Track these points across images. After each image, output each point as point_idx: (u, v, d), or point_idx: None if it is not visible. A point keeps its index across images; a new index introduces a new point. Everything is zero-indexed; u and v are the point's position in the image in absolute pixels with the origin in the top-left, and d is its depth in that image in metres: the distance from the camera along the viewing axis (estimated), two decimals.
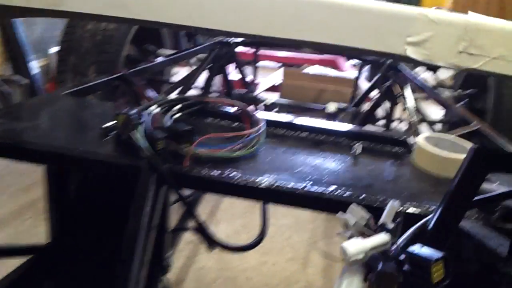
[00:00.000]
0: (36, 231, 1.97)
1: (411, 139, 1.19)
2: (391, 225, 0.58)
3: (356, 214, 0.61)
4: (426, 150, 1.06)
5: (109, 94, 1.91)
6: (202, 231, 0.96)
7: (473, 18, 0.59)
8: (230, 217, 2.18)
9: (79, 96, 1.39)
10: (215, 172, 0.95)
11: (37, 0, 0.61)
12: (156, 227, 0.97)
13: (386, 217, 0.59)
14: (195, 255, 1.86)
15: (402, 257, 0.54)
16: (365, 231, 0.58)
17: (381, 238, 0.55)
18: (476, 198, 0.63)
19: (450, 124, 2.50)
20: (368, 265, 0.55)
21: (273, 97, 2.84)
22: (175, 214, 1.58)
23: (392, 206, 0.61)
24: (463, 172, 0.60)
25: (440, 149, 1.07)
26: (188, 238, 1.91)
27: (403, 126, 2.41)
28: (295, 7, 0.61)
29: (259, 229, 1.20)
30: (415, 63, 0.62)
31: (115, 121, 1.08)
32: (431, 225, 0.62)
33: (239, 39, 2.62)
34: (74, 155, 0.96)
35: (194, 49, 2.26)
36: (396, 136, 1.22)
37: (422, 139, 1.11)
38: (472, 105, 2.32)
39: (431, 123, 2.17)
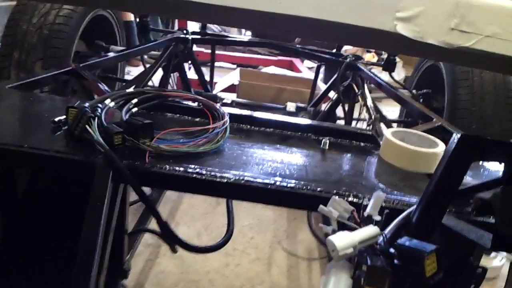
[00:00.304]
0: None
1: (378, 134, 1.18)
2: (377, 217, 0.54)
3: (338, 207, 0.57)
4: (395, 144, 1.05)
5: (58, 90, 1.79)
6: (166, 231, 0.89)
7: None
8: (190, 219, 2.10)
9: (25, 91, 1.28)
10: (179, 169, 0.89)
11: None
12: (114, 229, 0.89)
13: (372, 208, 0.55)
14: (155, 258, 1.77)
15: (391, 250, 0.51)
16: (350, 224, 0.54)
17: (370, 230, 0.51)
18: (460, 188, 0.60)
19: (406, 123, 2.55)
20: (355, 260, 0.51)
21: (231, 97, 2.78)
22: (131, 215, 1.49)
23: (377, 197, 0.57)
24: (448, 161, 0.57)
25: (409, 144, 1.05)
26: (147, 240, 1.82)
27: (362, 125, 2.42)
28: None
29: (226, 228, 1.14)
30: (406, 45, 0.58)
31: (66, 115, 0.99)
32: (415, 217, 0.58)
33: (195, 36, 2.55)
34: (22, 151, 0.86)
35: (151, 44, 2.17)
36: (364, 131, 1.20)
37: (390, 133, 1.10)
38: (427, 105, 2.36)
39: (389, 122, 2.19)
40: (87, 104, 0.98)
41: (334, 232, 0.55)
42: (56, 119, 0.99)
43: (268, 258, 1.86)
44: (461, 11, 0.56)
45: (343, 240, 0.48)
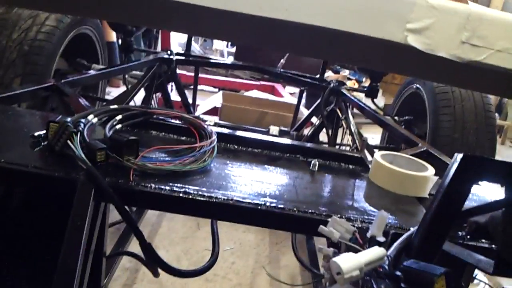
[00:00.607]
0: None
1: (367, 157, 1.16)
2: (381, 238, 0.52)
3: (339, 228, 0.54)
4: (385, 167, 1.03)
5: (37, 107, 1.73)
6: (149, 254, 0.84)
7: (475, 7, 0.56)
8: (169, 242, 2.03)
9: (3, 105, 1.23)
10: (165, 187, 0.85)
11: None
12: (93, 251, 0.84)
13: (375, 229, 0.53)
14: (132, 283, 1.69)
15: (397, 273, 0.48)
16: (352, 246, 0.51)
17: (376, 252, 0.49)
18: (463, 209, 0.58)
19: (388, 149, 2.56)
20: (359, 284, 0.48)
21: (213, 119, 2.75)
22: (109, 236, 1.43)
23: (381, 217, 0.55)
24: (450, 181, 0.55)
25: (398, 167, 1.04)
26: (124, 264, 1.74)
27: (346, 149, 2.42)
28: None
29: (207, 252, 1.09)
30: (414, 62, 0.57)
31: (46, 130, 0.94)
32: (417, 239, 0.56)
33: (179, 57, 2.53)
34: (1, 167, 0.81)
35: (134, 63, 2.14)
36: (353, 154, 1.18)
37: (379, 156, 1.08)
38: (408, 131, 2.38)
39: (371, 147, 2.19)
40: (69, 119, 0.94)
41: (336, 254, 0.52)
42: (36, 134, 0.95)
43: (250, 284, 1.81)
44: (472, 24, 0.55)
45: (348, 262, 0.45)
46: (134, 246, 1.77)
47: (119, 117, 1.07)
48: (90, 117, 1.02)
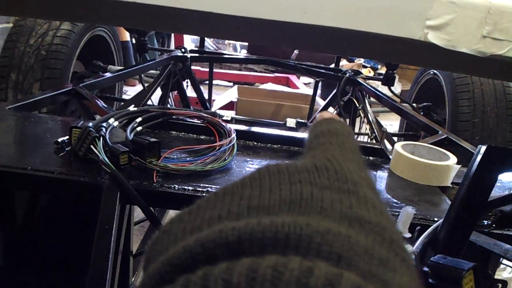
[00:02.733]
0: None
1: (387, 148, 1.16)
2: (407, 234, 0.52)
3: None
4: (406, 158, 1.03)
5: (57, 111, 1.76)
6: None
7: (496, 0, 0.55)
8: None
9: (26, 111, 1.25)
10: (188, 188, 0.86)
11: None
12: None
13: (401, 225, 0.53)
14: None
15: (424, 269, 0.48)
16: None
17: None
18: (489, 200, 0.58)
19: (407, 136, 2.54)
20: None
21: (230, 114, 2.76)
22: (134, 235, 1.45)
23: (407, 213, 0.55)
24: (474, 173, 0.55)
25: (419, 157, 1.04)
26: None
27: (363, 139, 2.41)
28: None
29: None
30: (434, 57, 0.56)
31: (69, 136, 0.96)
32: (442, 233, 0.56)
33: (194, 54, 2.54)
34: (25, 174, 0.84)
35: (150, 63, 2.15)
36: (373, 145, 1.18)
37: (400, 147, 1.08)
38: (427, 118, 2.36)
39: (390, 136, 2.18)
40: (91, 124, 0.96)
41: None
42: (59, 140, 0.97)
43: None
44: (493, 18, 0.54)
45: None
46: None
47: (139, 119, 1.08)
48: (111, 120, 1.03)
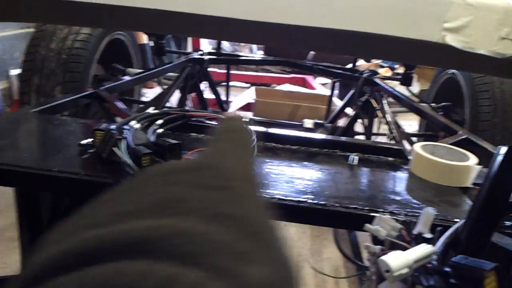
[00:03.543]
0: (5, 262, 1.81)
1: (407, 149, 1.16)
2: (428, 235, 0.52)
3: (385, 225, 0.54)
4: (426, 158, 1.02)
5: (79, 113, 1.80)
6: None
7: None
8: None
9: (49, 114, 1.28)
10: None
11: None
12: None
13: (422, 226, 0.53)
14: None
15: (446, 269, 0.48)
16: (398, 243, 0.52)
17: (424, 249, 0.49)
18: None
19: (426, 136, 2.52)
20: (408, 280, 0.49)
21: (247, 115, 2.78)
22: None
23: (427, 214, 0.55)
24: (496, 174, 0.55)
25: (439, 158, 1.03)
26: None
27: (382, 140, 2.40)
28: None
29: None
30: (452, 58, 0.57)
31: (92, 138, 0.99)
32: (464, 233, 0.56)
33: (211, 56, 2.57)
34: (51, 175, 0.86)
35: (168, 66, 2.18)
36: (392, 146, 1.18)
37: (420, 148, 1.08)
38: (447, 118, 2.33)
39: (408, 136, 2.16)
40: (113, 126, 0.98)
41: (382, 252, 0.53)
42: (83, 142, 0.99)
43: None
44: (511, 20, 0.54)
45: (397, 260, 0.46)
46: None
47: (160, 121, 1.10)
48: (133, 123, 1.05)
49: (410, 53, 0.68)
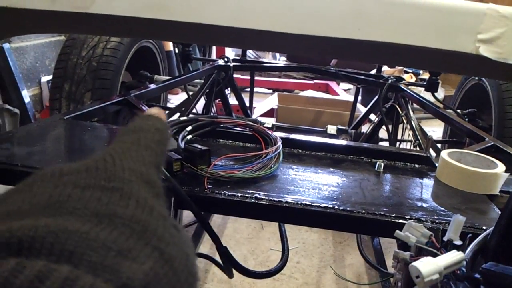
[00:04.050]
0: None
1: (433, 155, 1.16)
2: (458, 242, 0.53)
3: (414, 232, 0.56)
4: (453, 165, 1.02)
5: (108, 119, 1.85)
6: (225, 256, 0.90)
7: None
8: (235, 243, 2.10)
9: (81, 120, 1.33)
10: (237, 194, 0.90)
11: (62, 2, 0.56)
12: None
13: (452, 233, 0.54)
14: (203, 283, 1.77)
15: (476, 276, 0.49)
16: (429, 250, 0.53)
17: (454, 256, 0.50)
18: None
19: (452, 143, 2.49)
20: (437, 286, 0.50)
21: (270, 121, 2.80)
22: None
23: (457, 221, 0.56)
24: None
25: (466, 165, 1.03)
26: None
27: (407, 146, 2.39)
28: (358, 5, 0.57)
29: (272, 252, 1.13)
30: (486, 67, 0.58)
31: None
32: (493, 240, 0.57)
33: (236, 63, 2.60)
34: None
35: (194, 73, 2.22)
36: (418, 153, 1.18)
37: (446, 155, 1.08)
38: (473, 124, 2.31)
39: (435, 142, 2.14)
40: None
41: (412, 258, 0.54)
42: None
43: (316, 283, 1.83)
44: None
45: (428, 266, 0.47)
46: (203, 247, 1.85)
47: (189, 128, 1.13)
48: None
49: (442, 62, 0.69)
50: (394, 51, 0.60)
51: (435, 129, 3.69)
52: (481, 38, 0.57)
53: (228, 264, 0.91)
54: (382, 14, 0.56)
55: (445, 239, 0.55)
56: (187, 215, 1.77)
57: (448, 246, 0.53)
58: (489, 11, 0.56)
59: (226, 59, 2.46)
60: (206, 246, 1.90)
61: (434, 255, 0.52)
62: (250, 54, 5.28)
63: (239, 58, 2.80)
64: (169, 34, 0.81)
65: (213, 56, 4.86)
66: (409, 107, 2.14)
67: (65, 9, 0.56)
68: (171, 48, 3.96)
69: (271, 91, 5.04)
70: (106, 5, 0.57)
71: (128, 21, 0.60)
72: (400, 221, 0.82)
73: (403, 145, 2.40)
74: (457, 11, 0.57)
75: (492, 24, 0.56)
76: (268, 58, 5.51)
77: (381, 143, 2.45)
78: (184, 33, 0.68)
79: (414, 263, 0.48)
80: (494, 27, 0.56)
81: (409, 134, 2.07)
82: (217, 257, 0.95)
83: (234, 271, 0.94)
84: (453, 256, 0.50)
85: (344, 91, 4.67)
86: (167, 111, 2.47)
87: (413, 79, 4.42)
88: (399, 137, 2.36)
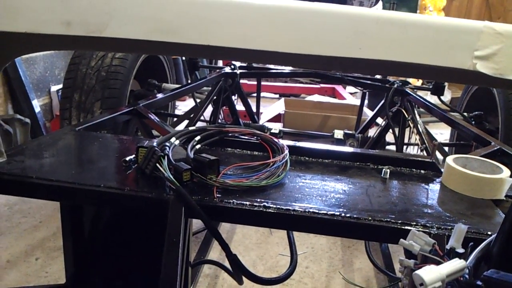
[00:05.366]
0: (46, 271, 1.90)
1: (439, 161, 1.17)
2: (461, 250, 0.55)
3: (418, 240, 0.57)
4: (458, 171, 1.04)
5: (119, 129, 1.88)
6: (235, 263, 0.92)
7: None
8: (244, 248, 2.12)
9: (92, 131, 1.36)
10: (246, 203, 0.92)
11: (77, 27, 0.58)
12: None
13: (454, 241, 0.56)
14: None
15: (478, 283, 0.51)
16: (432, 257, 0.55)
17: (456, 264, 0.52)
18: None
19: (458, 146, 2.49)
20: None
21: (277, 126, 2.82)
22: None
23: (460, 230, 0.58)
24: None
25: (471, 170, 1.04)
26: (205, 271, 1.85)
27: (413, 150, 2.40)
28: (359, 25, 0.59)
29: (281, 257, 1.15)
30: (483, 79, 0.60)
31: (135, 154, 1.05)
32: (496, 247, 0.58)
33: (242, 70, 2.63)
34: (98, 190, 0.92)
35: (202, 81, 2.25)
36: (424, 159, 1.19)
37: (451, 160, 1.09)
38: (479, 127, 2.31)
39: (442, 145, 2.15)
40: (155, 143, 1.04)
41: (416, 265, 0.56)
42: (127, 159, 1.05)
43: None
44: None
45: (431, 274, 0.49)
46: (213, 254, 1.87)
47: (197, 137, 1.15)
48: (173, 139, 1.11)
49: (441, 76, 0.71)
50: (394, 67, 0.62)
51: (443, 131, 3.69)
52: (478, 55, 0.59)
53: (238, 271, 0.93)
54: (382, 34, 0.58)
55: (447, 247, 0.56)
56: (196, 222, 1.79)
57: (451, 254, 0.55)
58: (486, 28, 0.58)
59: (233, 67, 2.48)
60: (215, 252, 1.93)
61: (438, 263, 0.53)
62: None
63: (245, 65, 2.82)
64: (177, 52, 0.84)
65: (220, 64, 4.89)
66: (415, 111, 2.15)
67: (79, 34, 0.59)
68: (179, 56, 4.00)
69: (277, 96, 5.06)
70: (118, 29, 0.59)
71: (138, 42, 0.62)
72: (406, 227, 0.83)
73: (410, 149, 2.41)
74: (454, 29, 0.59)
75: (489, 41, 0.58)
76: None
77: (388, 147, 2.46)
78: (191, 52, 0.70)
79: (418, 271, 0.49)
80: (490, 44, 0.58)
81: (416, 138, 2.08)
82: (227, 264, 0.97)
83: (244, 278, 0.97)
84: (455, 264, 0.52)
85: (350, 95, 4.68)
86: (175, 119, 2.50)
87: (419, 82, 4.42)
88: (406, 141, 2.37)
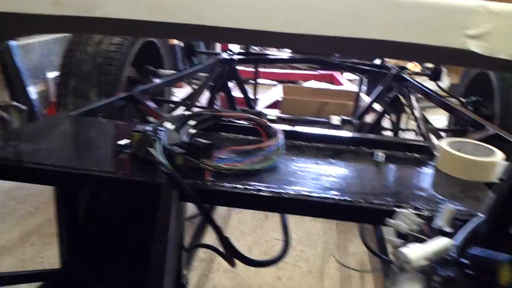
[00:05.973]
0: (41, 256, 1.91)
1: (434, 145, 1.17)
2: (448, 229, 0.55)
3: (407, 221, 0.58)
4: (452, 154, 1.04)
5: (114, 114, 1.87)
6: (228, 246, 0.92)
7: None
8: (240, 234, 2.13)
9: (88, 117, 1.36)
10: (239, 186, 0.92)
11: (68, 7, 0.58)
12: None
13: (442, 220, 0.56)
14: (209, 272, 1.81)
15: (464, 260, 0.51)
16: (420, 237, 0.55)
17: (442, 242, 0.52)
18: None
19: (455, 131, 2.49)
20: (426, 271, 0.52)
21: (274, 112, 2.81)
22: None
23: (448, 210, 0.58)
24: None
25: (465, 154, 1.05)
26: (200, 255, 1.86)
27: (411, 136, 2.40)
28: (352, 5, 0.58)
29: (275, 241, 1.16)
30: (474, 60, 0.59)
31: (129, 139, 1.05)
32: (485, 227, 0.59)
33: (240, 56, 2.61)
34: (92, 175, 0.92)
35: (199, 67, 2.24)
36: (418, 143, 1.19)
37: (446, 144, 1.09)
38: (477, 112, 2.31)
39: (437, 131, 2.15)
40: (149, 128, 1.04)
41: (404, 245, 0.56)
42: (121, 143, 1.05)
43: (320, 271, 1.86)
44: None
45: (416, 253, 0.50)
46: (208, 238, 1.88)
47: (192, 122, 1.15)
48: (167, 124, 1.11)
49: (436, 56, 0.70)
50: (387, 47, 0.62)
51: (440, 117, 3.68)
52: (470, 33, 0.58)
53: (230, 253, 0.94)
54: (376, 13, 0.58)
55: (435, 227, 0.57)
56: (193, 206, 1.80)
57: (439, 234, 0.55)
58: (480, 8, 0.58)
59: (230, 53, 2.47)
60: (211, 237, 1.93)
61: (425, 242, 0.54)
62: (254, 46, 5.28)
63: (243, 51, 2.81)
64: (171, 34, 0.83)
65: (217, 49, 4.86)
66: (413, 97, 2.15)
67: (69, 14, 0.58)
68: (175, 42, 3.97)
69: (275, 82, 5.04)
70: (109, 9, 0.58)
71: (131, 23, 0.61)
72: (398, 209, 0.83)
73: (407, 135, 2.41)
74: (447, 8, 0.59)
75: (481, 20, 0.57)
76: (272, 50, 5.50)
77: (384, 133, 2.46)
78: (186, 33, 0.69)
79: (403, 249, 0.50)
80: (483, 23, 0.57)
81: (412, 124, 2.08)
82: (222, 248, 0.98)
83: (237, 261, 0.97)
84: (441, 242, 0.52)
85: (348, 81, 4.66)
86: (172, 105, 2.50)
87: (417, 68, 4.41)
88: (403, 126, 2.37)
